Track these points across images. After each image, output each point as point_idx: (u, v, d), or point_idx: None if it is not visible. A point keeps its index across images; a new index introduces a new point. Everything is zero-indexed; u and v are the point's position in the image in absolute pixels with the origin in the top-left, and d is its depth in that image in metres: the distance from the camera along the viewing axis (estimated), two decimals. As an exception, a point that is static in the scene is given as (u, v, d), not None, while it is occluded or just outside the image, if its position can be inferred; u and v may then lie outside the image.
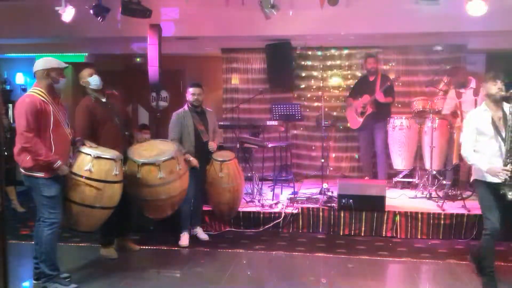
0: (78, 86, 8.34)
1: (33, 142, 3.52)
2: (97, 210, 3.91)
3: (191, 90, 4.92)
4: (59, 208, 3.72)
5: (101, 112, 4.31)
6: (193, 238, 5.05)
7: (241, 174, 5.10)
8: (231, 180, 4.89)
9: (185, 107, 4.99)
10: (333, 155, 7.51)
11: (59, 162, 3.59)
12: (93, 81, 4.31)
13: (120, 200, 4.15)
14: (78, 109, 4.33)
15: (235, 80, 7.76)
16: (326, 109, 6.70)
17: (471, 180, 3.97)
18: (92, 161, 3.85)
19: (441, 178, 6.16)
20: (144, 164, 4.22)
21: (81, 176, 3.81)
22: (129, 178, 4.23)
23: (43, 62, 3.74)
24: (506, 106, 3.69)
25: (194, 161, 4.76)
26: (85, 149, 3.91)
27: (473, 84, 5.74)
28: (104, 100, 4.40)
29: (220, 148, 5.20)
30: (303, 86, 7.57)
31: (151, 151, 4.36)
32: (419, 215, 5.24)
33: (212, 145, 4.95)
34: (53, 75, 3.70)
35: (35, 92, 3.65)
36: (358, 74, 7.29)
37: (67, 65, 3.87)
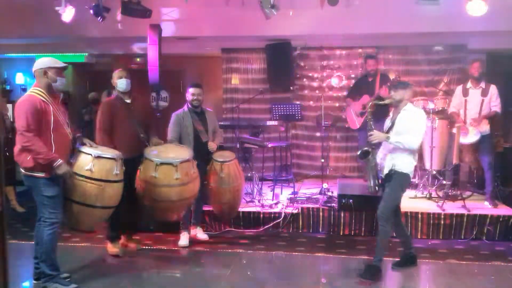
0: (79, 86, 8.44)
1: (33, 141, 3.51)
2: (97, 209, 3.91)
3: (191, 90, 4.94)
4: (60, 208, 3.72)
5: (122, 112, 4.49)
6: (193, 238, 5.04)
7: (241, 174, 5.09)
8: (231, 180, 4.88)
9: (185, 107, 4.99)
10: (333, 155, 7.51)
11: (59, 161, 3.59)
12: (120, 84, 4.54)
13: (125, 198, 4.19)
14: (101, 106, 4.59)
15: (235, 80, 7.75)
16: (326, 110, 6.70)
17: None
18: (93, 161, 3.84)
19: (441, 178, 6.17)
20: (162, 163, 4.25)
21: (82, 176, 3.81)
22: (143, 178, 4.26)
23: (41, 61, 3.75)
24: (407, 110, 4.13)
25: None
26: (85, 149, 3.91)
27: (482, 84, 5.63)
28: (128, 101, 4.57)
29: (220, 148, 5.20)
30: (303, 86, 7.57)
31: (167, 153, 4.42)
32: (419, 215, 5.24)
33: (212, 146, 4.94)
34: (51, 74, 3.70)
35: (35, 92, 3.65)
36: (358, 74, 7.29)
37: (66, 64, 3.85)
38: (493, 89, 5.57)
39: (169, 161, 4.27)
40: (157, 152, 4.39)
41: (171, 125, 4.91)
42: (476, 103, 5.60)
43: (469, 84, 5.73)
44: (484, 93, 5.57)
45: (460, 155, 5.74)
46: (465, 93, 5.72)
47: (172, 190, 4.28)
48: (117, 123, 4.46)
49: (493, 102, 5.56)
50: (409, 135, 4.01)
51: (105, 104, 4.58)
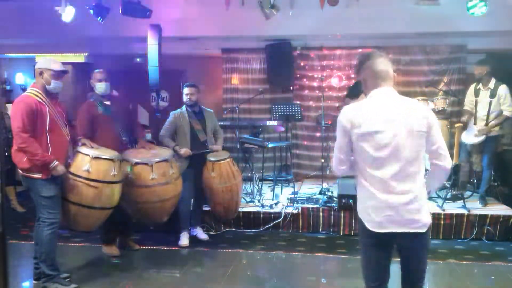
0: (79, 86, 8.40)
1: (29, 142, 3.50)
2: (95, 210, 3.91)
3: (184, 90, 5.02)
4: (58, 208, 3.72)
5: (101, 114, 4.39)
6: (193, 238, 5.04)
7: (237, 174, 5.01)
8: (223, 180, 4.84)
9: (183, 107, 5.03)
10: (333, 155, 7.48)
11: (55, 162, 3.58)
12: (99, 86, 4.45)
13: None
14: (80, 109, 4.45)
15: (235, 80, 7.74)
16: (326, 110, 6.69)
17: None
18: (91, 162, 3.84)
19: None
20: (137, 163, 4.24)
21: (79, 177, 3.80)
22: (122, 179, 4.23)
23: (41, 60, 3.74)
24: None
25: (185, 151, 4.76)
26: (83, 149, 3.91)
27: (491, 84, 5.53)
28: (107, 103, 4.48)
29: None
30: (303, 86, 7.57)
31: (146, 154, 4.42)
32: (419, 215, 5.23)
33: (215, 148, 4.96)
34: (46, 75, 3.67)
35: (32, 92, 3.64)
36: (358, 74, 7.28)
37: (65, 69, 3.78)
38: (501, 90, 5.46)
39: (144, 161, 4.25)
40: (135, 154, 4.37)
41: (166, 123, 4.99)
42: (484, 104, 5.56)
43: (479, 85, 5.69)
44: (493, 94, 5.51)
45: (465, 155, 5.77)
46: (476, 93, 5.68)
47: (150, 190, 4.24)
48: (97, 126, 4.36)
49: (503, 104, 5.44)
50: None
51: (84, 108, 4.43)
